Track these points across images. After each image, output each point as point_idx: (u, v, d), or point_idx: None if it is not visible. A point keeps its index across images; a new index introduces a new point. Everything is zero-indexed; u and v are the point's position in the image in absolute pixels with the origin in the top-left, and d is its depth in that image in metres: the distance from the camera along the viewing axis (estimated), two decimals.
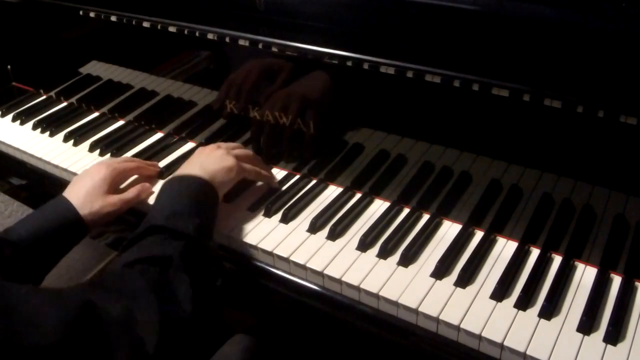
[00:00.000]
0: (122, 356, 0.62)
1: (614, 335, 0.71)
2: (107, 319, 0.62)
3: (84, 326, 0.60)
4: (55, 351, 0.57)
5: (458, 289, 0.79)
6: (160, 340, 0.64)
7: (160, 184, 1.03)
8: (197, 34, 0.99)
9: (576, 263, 0.82)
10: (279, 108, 0.99)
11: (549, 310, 0.74)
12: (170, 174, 1.04)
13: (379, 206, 0.95)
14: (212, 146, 0.96)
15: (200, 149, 0.97)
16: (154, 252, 0.72)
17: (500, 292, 0.77)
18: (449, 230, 0.89)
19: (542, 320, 0.74)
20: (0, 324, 0.55)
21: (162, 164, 1.09)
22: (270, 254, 0.86)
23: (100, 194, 0.92)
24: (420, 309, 0.75)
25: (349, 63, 0.86)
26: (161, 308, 0.66)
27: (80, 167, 1.09)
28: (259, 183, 1.01)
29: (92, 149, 1.14)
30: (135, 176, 1.02)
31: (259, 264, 0.88)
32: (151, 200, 0.98)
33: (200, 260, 0.76)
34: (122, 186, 1.00)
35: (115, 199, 0.93)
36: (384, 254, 0.84)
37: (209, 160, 0.91)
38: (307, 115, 0.96)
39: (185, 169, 0.90)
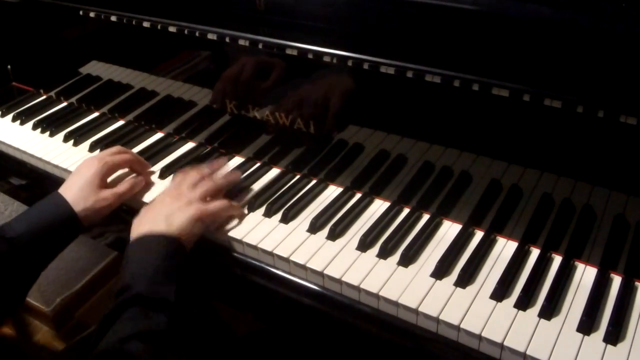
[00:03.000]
0: None
1: (614, 335, 0.71)
2: None
3: None
4: None
5: (458, 289, 0.79)
6: None
7: (154, 184, 1.03)
8: (197, 34, 0.99)
9: (576, 263, 0.82)
10: (278, 108, 0.99)
11: (549, 310, 0.74)
12: (171, 174, 1.05)
13: (379, 206, 0.95)
14: (172, 193, 0.91)
15: (161, 197, 0.92)
16: (145, 327, 0.72)
17: (500, 292, 0.77)
18: (449, 230, 0.89)
19: (542, 320, 0.74)
20: None
21: (162, 164, 1.09)
22: (270, 254, 0.87)
23: (93, 190, 0.92)
24: (420, 309, 0.75)
25: (349, 63, 0.86)
26: None
27: None
28: (259, 183, 1.01)
29: (92, 149, 1.14)
30: (127, 170, 1.02)
31: (258, 264, 0.88)
32: (147, 197, 0.99)
33: (183, 326, 0.76)
34: (112, 178, 1.00)
35: (107, 193, 0.93)
36: (384, 254, 0.84)
37: (173, 215, 0.85)
38: (308, 115, 0.96)
39: (151, 226, 0.85)
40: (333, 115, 0.95)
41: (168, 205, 0.88)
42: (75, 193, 0.91)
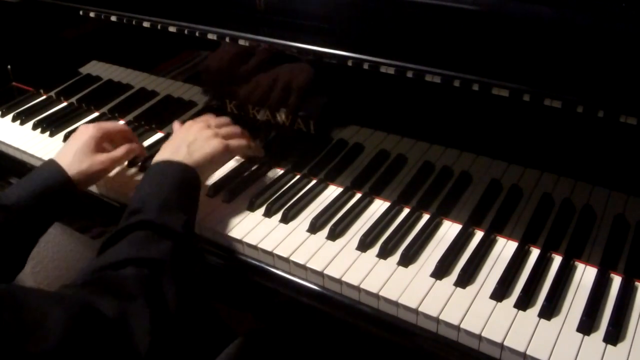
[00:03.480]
0: (117, 358, 0.63)
1: (614, 335, 0.71)
2: (103, 320, 0.63)
3: (85, 328, 0.60)
4: (59, 351, 0.57)
5: (458, 289, 0.79)
6: (152, 341, 0.65)
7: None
8: (197, 34, 0.99)
9: (576, 263, 0.82)
10: (277, 107, 0.99)
11: (549, 310, 0.74)
12: None
13: (379, 206, 0.95)
14: (200, 124, 0.95)
15: (189, 124, 0.96)
16: (144, 253, 0.73)
17: (500, 292, 0.77)
18: (449, 230, 0.89)
19: (542, 320, 0.74)
20: (12, 323, 0.55)
21: None
22: (270, 254, 0.86)
23: (88, 154, 0.93)
24: (420, 309, 0.75)
25: (349, 63, 0.86)
26: (152, 311, 0.67)
27: None
28: (259, 183, 1.01)
29: None
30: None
31: (258, 264, 0.88)
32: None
33: (186, 260, 0.77)
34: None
35: (103, 157, 0.95)
36: (384, 254, 0.84)
37: (196, 144, 0.90)
38: (307, 115, 0.96)
39: (172, 152, 0.89)
40: (333, 115, 0.95)
41: (193, 134, 0.92)
42: (70, 157, 0.92)
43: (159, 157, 0.90)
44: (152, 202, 0.79)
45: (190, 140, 0.91)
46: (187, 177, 0.86)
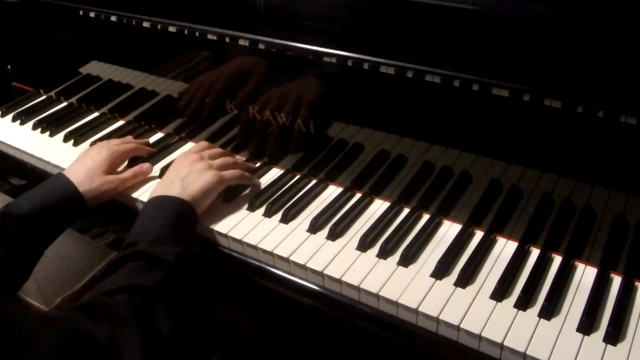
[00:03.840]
0: None
1: (614, 335, 0.71)
2: (94, 344, 0.63)
3: (76, 351, 0.61)
4: None
5: (458, 289, 0.79)
6: None
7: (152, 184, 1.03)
8: (197, 34, 0.99)
9: (576, 263, 0.82)
10: (277, 107, 0.99)
11: (549, 310, 0.74)
12: None
13: (379, 206, 0.95)
14: (193, 156, 0.96)
15: (182, 157, 0.97)
16: (137, 281, 0.73)
17: (500, 292, 0.77)
18: (449, 230, 0.89)
19: (542, 320, 0.74)
20: (4, 344, 0.55)
21: (162, 164, 1.08)
22: (271, 253, 0.86)
23: (99, 174, 0.97)
24: (420, 309, 0.75)
25: (349, 63, 0.86)
26: (144, 337, 0.67)
27: None
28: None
29: None
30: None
31: (258, 264, 0.88)
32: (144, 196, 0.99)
33: (179, 289, 0.77)
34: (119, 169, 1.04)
35: (113, 178, 0.98)
36: (384, 254, 0.84)
37: (190, 178, 0.91)
38: (307, 115, 0.96)
39: (166, 187, 0.90)
40: (333, 115, 0.95)
41: (187, 167, 0.93)
42: (82, 175, 0.95)
43: (154, 193, 0.90)
44: (145, 236, 0.80)
45: (184, 175, 0.91)
46: (181, 211, 0.86)
